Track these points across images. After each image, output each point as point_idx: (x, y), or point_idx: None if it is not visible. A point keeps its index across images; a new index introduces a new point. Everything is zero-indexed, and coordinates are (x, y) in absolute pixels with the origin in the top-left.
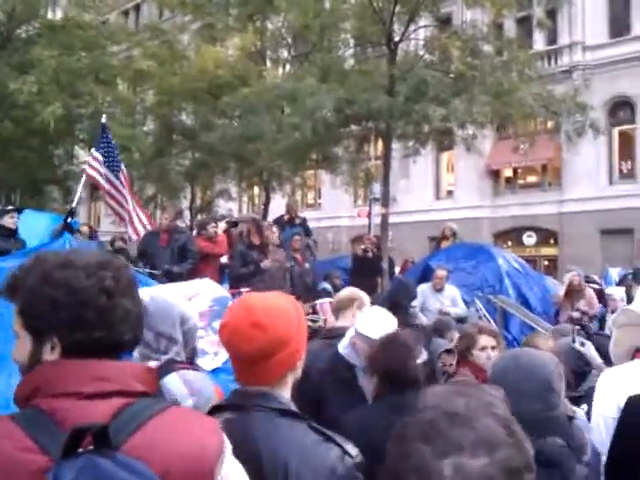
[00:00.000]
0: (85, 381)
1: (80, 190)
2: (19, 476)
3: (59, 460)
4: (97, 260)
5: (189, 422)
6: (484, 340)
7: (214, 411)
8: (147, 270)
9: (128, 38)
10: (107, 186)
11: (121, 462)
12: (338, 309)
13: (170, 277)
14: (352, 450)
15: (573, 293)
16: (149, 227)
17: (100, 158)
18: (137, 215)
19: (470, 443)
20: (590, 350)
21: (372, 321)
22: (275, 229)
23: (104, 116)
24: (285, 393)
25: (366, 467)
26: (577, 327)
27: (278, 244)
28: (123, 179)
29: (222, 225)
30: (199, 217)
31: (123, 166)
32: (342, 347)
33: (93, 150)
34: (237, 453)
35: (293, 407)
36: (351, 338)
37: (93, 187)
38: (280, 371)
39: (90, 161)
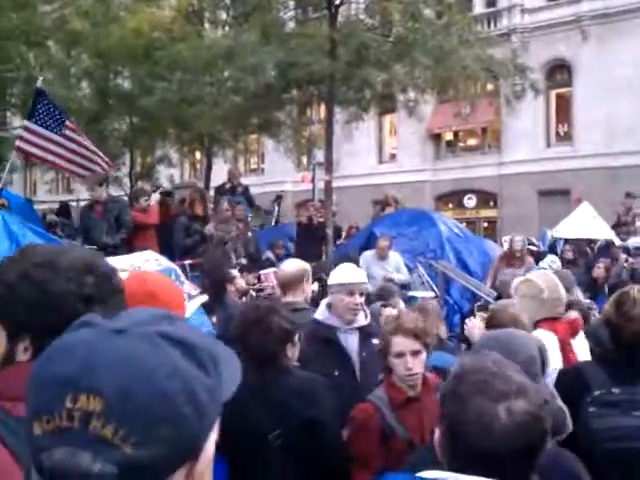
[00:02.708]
0: None
1: (9, 165)
2: None
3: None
4: (82, 263)
5: None
6: (400, 342)
7: None
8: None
9: None
10: (53, 150)
11: None
12: (287, 285)
13: (105, 249)
14: None
15: (511, 258)
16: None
17: (35, 128)
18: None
19: (513, 392)
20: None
21: (344, 271)
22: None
23: (39, 79)
24: None
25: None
26: None
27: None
28: (70, 132)
29: (156, 196)
30: (139, 184)
31: (67, 121)
32: (319, 314)
33: (26, 122)
34: None
35: None
36: (326, 303)
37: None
38: None
39: (23, 134)
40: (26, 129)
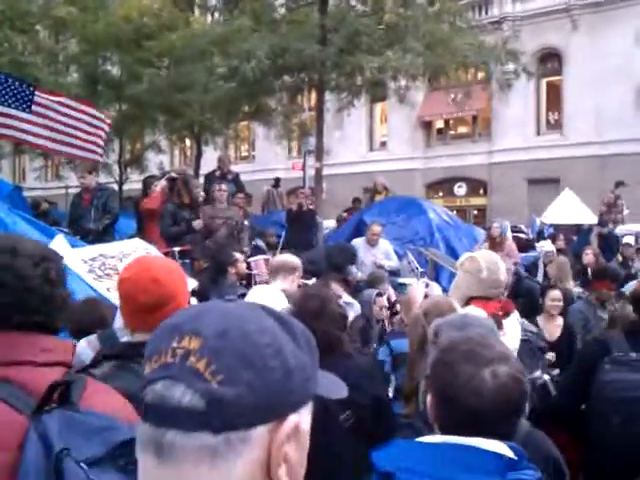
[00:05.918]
0: (36, 352)
1: None
2: (5, 436)
3: (34, 416)
4: (41, 252)
5: (104, 387)
6: None
7: (104, 360)
8: (76, 235)
9: None
10: (29, 131)
11: (87, 413)
12: (280, 271)
13: (89, 235)
14: None
15: (494, 245)
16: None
17: (4, 111)
18: (89, 124)
19: (496, 358)
20: (433, 290)
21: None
22: (224, 186)
23: None
24: None
25: None
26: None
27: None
28: (41, 108)
29: (162, 182)
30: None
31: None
32: None
33: None
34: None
35: None
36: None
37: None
38: None
39: None
40: None
